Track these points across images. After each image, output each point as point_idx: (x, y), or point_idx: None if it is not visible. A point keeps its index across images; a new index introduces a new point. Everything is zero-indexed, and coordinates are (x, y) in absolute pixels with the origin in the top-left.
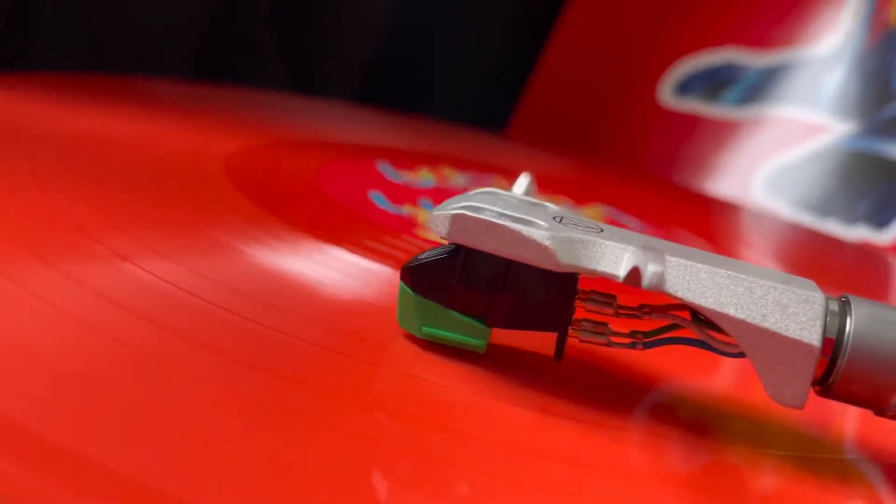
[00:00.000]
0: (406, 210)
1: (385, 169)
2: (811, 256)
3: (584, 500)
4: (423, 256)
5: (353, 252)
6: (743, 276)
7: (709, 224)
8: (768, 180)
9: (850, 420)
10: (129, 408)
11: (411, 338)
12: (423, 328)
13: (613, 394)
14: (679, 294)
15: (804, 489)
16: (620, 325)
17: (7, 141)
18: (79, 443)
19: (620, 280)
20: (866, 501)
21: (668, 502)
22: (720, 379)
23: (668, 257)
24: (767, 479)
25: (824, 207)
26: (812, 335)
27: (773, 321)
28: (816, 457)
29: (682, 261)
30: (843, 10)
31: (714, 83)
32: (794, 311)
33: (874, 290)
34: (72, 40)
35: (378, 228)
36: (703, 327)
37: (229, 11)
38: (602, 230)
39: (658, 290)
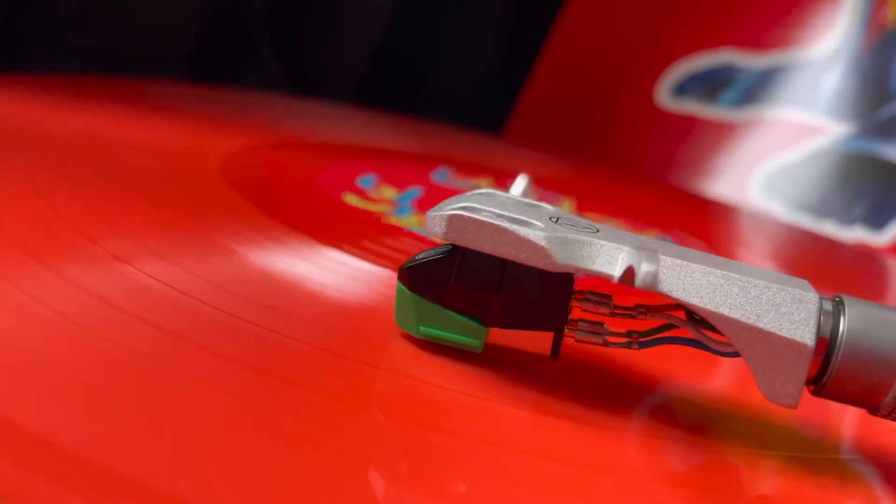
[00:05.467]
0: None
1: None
2: (808, 258)
3: (580, 500)
4: (420, 257)
5: (351, 254)
6: (737, 276)
7: (706, 225)
8: (765, 181)
9: (847, 420)
10: (127, 409)
11: (408, 338)
12: (421, 328)
13: (609, 393)
14: (673, 293)
15: (802, 489)
16: (616, 325)
17: (4, 142)
18: (77, 444)
19: (616, 280)
20: (863, 501)
21: (665, 502)
22: (717, 379)
23: (661, 257)
24: (765, 478)
25: (821, 209)
26: (806, 334)
27: (768, 321)
28: (814, 457)
29: (677, 261)
30: (840, 12)
31: (711, 85)
32: (788, 311)
33: (871, 292)
34: (69, 42)
35: (376, 230)
36: (698, 327)
37: (227, 12)
38: (598, 230)
39: (651, 289)
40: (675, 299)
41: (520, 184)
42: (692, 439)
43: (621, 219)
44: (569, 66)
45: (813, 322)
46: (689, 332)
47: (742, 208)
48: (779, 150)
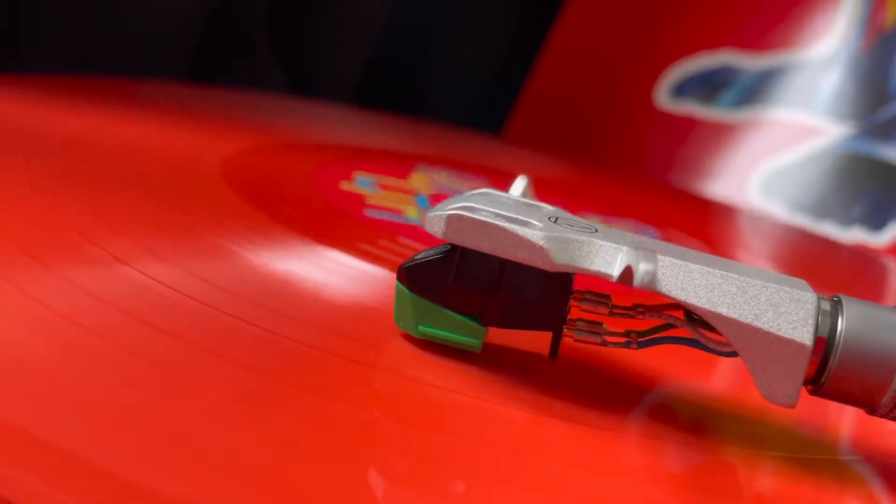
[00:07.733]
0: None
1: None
2: (807, 258)
3: (578, 500)
4: (420, 256)
5: (350, 254)
6: (735, 276)
7: (705, 226)
8: (764, 182)
9: (845, 421)
10: (126, 410)
11: (408, 338)
12: (420, 327)
13: (608, 393)
14: (671, 293)
15: (800, 489)
16: (615, 325)
17: (3, 143)
18: (76, 445)
19: (614, 279)
20: (861, 501)
21: (663, 502)
22: (716, 379)
23: (660, 257)
24: (763, 479)
25: (820, 210)
26: (804, 334)
27: (766, 320)
28: (812, 457)
29: (675, 260)
30: (839, 13)
31: (710, 86)
32: (786, 311)
33: (870, 292)
34: (67, 42)
35: (374, 230)
36: (696, 326)
37: (225, 13)
38: (596, 230)
39: (650, 288)
40: (673, 299)
41: (519, 184)
42: (690, 439)
43: (625, 218)
44: (568, 67)
45: (811, 322)
46: (687, 332)
47: (741, 209)
48: (778, 150)
